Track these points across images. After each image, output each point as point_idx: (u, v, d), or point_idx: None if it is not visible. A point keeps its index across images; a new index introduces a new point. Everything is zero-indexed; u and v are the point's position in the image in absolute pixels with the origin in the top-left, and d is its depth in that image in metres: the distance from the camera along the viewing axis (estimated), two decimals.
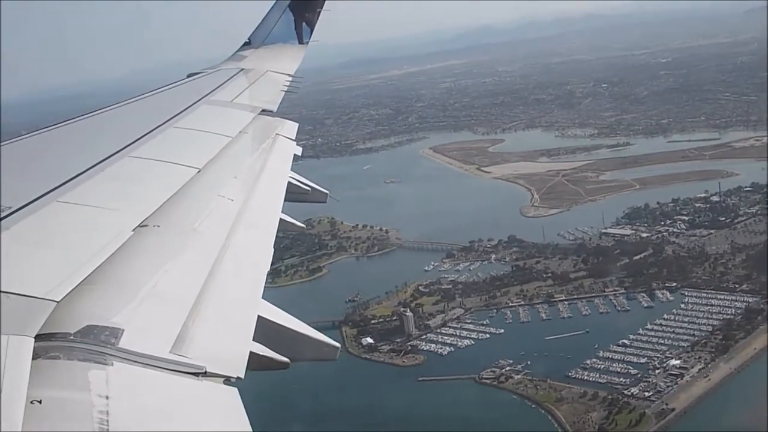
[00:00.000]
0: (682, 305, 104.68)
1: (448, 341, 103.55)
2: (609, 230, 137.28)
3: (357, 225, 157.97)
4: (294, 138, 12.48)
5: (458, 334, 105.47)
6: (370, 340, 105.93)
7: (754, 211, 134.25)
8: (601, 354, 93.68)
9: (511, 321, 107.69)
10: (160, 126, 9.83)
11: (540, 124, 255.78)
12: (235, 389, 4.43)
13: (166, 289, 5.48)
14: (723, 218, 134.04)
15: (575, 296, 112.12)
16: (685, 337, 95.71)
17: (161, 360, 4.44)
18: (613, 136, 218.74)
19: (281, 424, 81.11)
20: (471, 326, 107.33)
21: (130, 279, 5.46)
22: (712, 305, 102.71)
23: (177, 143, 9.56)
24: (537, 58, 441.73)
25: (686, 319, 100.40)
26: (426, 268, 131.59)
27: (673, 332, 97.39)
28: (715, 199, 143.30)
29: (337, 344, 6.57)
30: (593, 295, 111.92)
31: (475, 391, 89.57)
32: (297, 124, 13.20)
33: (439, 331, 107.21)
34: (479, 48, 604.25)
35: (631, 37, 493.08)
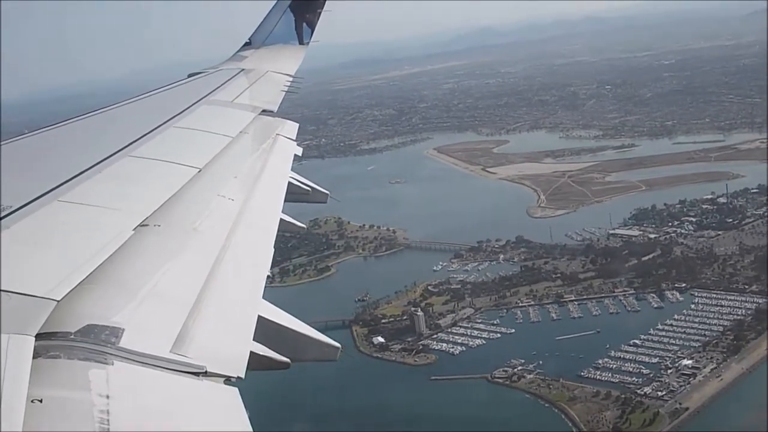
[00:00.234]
0: (692, 306, 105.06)
1: (460, 341, 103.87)
2: (617, 231, 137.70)
3: (364, 225, 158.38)
4: (294, 138, 12.41)
5: (469, 333, 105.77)
6: (381, 339, 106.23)
7: (761, 212, 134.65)
8: (612, 354, 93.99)
9: (521, 321, 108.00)
10: (160, 126, 9.87)
11: (544, 125, 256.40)
12: (236, 389, 4.43)
13: (167, 289, 5.49)
14: (730, 220, 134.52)
15: (585, 296, 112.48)
16: (697, 338, 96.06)
17: (162, 359, 4.44)
18: (617, 138, 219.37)
19: (296, 422, 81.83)
20: (482, 326, 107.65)
21: (130, 278, 5.45)
22: (722, 306, 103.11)
23: (177, 143, 9.59)
24: (539, 59, 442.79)
25: (697, 320, 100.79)
26: (434, 268, 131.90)
27: (684, 332, 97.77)
28: (722, 200, 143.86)
29: (338, 344, 6.52)
30: (603, 295, 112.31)
31: (488, 391, 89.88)
32: (297, 125, 13.13)
33: (450, 330, 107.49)
34: (480, 49, 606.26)
35: (633, 39, 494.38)
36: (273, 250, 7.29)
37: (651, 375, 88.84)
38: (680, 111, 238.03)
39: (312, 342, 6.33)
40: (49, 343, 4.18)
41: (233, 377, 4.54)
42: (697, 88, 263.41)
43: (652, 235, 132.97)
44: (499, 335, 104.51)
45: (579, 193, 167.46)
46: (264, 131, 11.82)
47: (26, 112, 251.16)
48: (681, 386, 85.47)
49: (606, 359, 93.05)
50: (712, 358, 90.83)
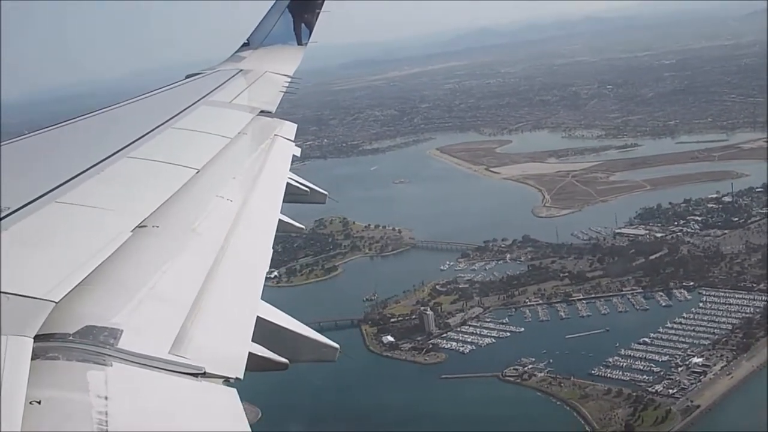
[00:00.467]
0: (701, 304, 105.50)
1: (469, 339, 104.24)
2: (623, 230, 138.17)
3: (369, 225, 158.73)
4: (293, 139, 12.39)
5: (479, 332, 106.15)
6: (390, 338, 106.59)
7: (766, 211, 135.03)
8: (622, 352, 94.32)
9: (530, 320, 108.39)
10: (159, 127, 9.85)
11: (546, 125, 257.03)
12: (234, 390, 4.45)
13: (165, 290, 5.48)
14: (736, 218, 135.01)
15: (593, 295, 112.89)
16: (706, 336, 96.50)
17: (160, 360, 4.45)
18: (620, 138, 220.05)
19: (309, 420, 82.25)
20: (491, 325, 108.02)
21: (129, 279, 5.45)
22: (730, 304, 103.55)
23: (176, 144, 9.58)
24: (539, 59, 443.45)
25: (706, 318, 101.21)
26: (441, 267, 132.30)
27: (693, 330, 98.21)
28: (727, 199, 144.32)
29: (336, 345, 6.52)
30: (611, 294, 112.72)
31: (499, 389, 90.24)
32: (296, 125, 13.10)
33: (459, 329, 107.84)
34: (479, 49, 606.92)
35: (633, 39, 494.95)
36: (272, 250, 7.33)
37: (662, 373, 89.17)
38: (682, 111, 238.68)
39: (311, 343, 6.38)
40: (47, 344, 4.17)
41: (232, 378, 4.55)
42: (698, 88, 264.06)
43: (659, 234, 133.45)
44: (508, 334, 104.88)
45: (583, 193, 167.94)
46: (262, 132, 11.86)
47: (26, 112, 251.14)
48: (692, 384, 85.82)
49: (616, 357, 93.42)
50: (722, 356, 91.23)
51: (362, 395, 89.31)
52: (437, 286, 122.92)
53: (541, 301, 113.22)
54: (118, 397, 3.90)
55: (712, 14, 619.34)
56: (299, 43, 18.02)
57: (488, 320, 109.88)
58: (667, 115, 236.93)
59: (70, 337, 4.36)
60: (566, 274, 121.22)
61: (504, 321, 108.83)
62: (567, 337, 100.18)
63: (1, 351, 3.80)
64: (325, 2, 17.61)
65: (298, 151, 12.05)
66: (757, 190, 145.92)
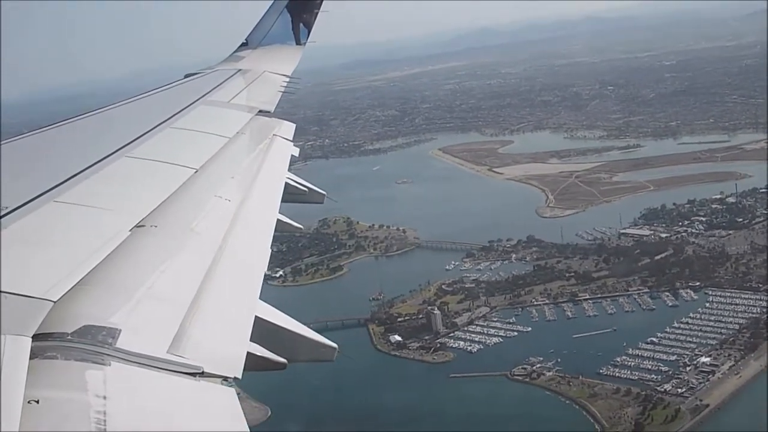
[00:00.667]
0: (707, 304, 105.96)
1: (477, 339, 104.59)
2: (627, 231, 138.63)
3: (373, 225, 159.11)
4: (291, 139, 12.34)
5: (486, 332, 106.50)
6: (398, 337, 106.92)
7: None
8: (630, 351, 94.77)
9: (537, 319, 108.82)
10: (157, 126, 9.84)
11: (548, 125, 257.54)
12: (233, 389, 4.45)
13: (164, 290, 5.48)
14: (740, 219, 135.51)
15: (599, 295, 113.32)
16: (713, 335, 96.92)
17: (158, 360, 4.46)
18: (622, 138, 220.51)
19: (324, 417, 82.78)
20: (498, 324, 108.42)
21: (127, 279, 5.45)
22: (736, 304, 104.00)
23: (174, 143, 9.56)
24: (539, 60, 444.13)
25: (712, 318, 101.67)
26: (447, 267, 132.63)
27: (701, 330, 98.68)
28: (731, 200, 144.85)
29: (335, 345, 6.49)
30: (617, 294, 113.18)
31: (508, 388, 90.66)
32: (294, 125, 13.07)
33: (466, 329, 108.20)
34: (479, 50, 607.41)
35: (633, 39, 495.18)
36: (270, 250, 7.33)
37: (670, 372, 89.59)
38: (684, 111, 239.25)
39: (309, 342, 6.36)
40: (45, 343, 4.18)
41: (230, 378, 4.55)
42: (699, 89, 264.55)
43: (663, 235, 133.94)
44: (516, 333, 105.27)
45: (587, 193, 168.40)
46: (261, 132, 11.85)
47: (26, 113, 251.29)
48: (700, 383, 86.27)
49: (624, 357, 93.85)
50: (729, 355, 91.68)
51: (373, 394, 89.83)
52: (443, 286, 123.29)
53: (547, 301, 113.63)
54: (116, 397, 3.90)
55: (712, 15, 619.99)
56: (298, 42, 18.08)
57: (495, 320, 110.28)
58: (668, 116, 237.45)
59: (69, 337, 4.36)
60: (572, 274, 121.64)
61: (511, 320, 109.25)
62: (574, 336, 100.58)
63: (0, 350, 3.80)
64: (324, 2, 17.68)
65: (296, 151, 12.11)
66: (761, 190, 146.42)
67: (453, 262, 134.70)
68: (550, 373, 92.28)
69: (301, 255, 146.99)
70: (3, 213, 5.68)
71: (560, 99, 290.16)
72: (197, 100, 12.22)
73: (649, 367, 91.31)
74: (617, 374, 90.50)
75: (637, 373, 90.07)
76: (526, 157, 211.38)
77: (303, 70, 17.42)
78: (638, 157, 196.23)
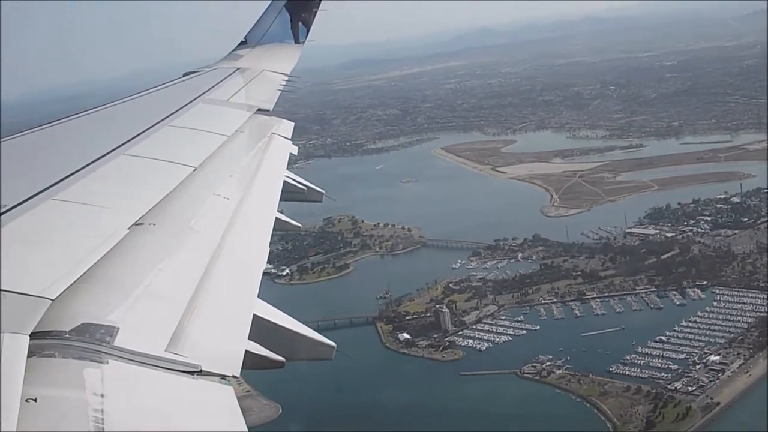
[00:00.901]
0: (715, 303, 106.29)
1: (485, 337, 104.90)
2: (633, 230, 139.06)
3: (378, 223, 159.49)
4: (290, 137, 12.34)
5: (494, 330, 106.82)
6: (407, 335, 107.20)
7: None
8: (640, 350, 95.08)
9: (545, 318, 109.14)
10: (156, 124, 9.85)
11: (550, 125, 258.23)
12: (231, 388, 4.45)
13: (162, 288, 5.49)
14: (746, 219, 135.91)
15: (606, 294, 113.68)
16: (722, 334, 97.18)
17: (156, 358, 4.47)
18: (625, 138, 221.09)
19: (338, 414, 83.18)
20: (506, 323, 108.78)
21: (125, 277, 5.46)
22: (744, 303, 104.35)
23: (173, 142, 9.57)
24: (539, 59, 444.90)
25: (720, 317, 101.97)
26: (453, 266, 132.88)
27: (709, 329, 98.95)
28: (736, 200, 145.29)
29: (333, 343, 6.50)
30: (624, 292, 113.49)
31: (518, 386, 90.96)
32: (293, 123, 13.08)
33: (475, 327, 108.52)
34: (478, 50, 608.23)
35: (633, 39, 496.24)
36: (268, 249, 7.35)
37: (680, 371, 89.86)
38: (686, 111, 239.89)
39: (307, 341, 6.36)
40: (43, 342, 4.19)
41: (228, 376, 4.57)
42: (701, 89, 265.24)
43: (669, 234, 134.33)
44: (524, 332, 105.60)
45: (591, 193, 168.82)
46: (259, 130, 11.84)
47: (26, 112, 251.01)
48: (710, 381, 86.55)
49: (633, 355, 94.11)
50: (738, 354, 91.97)
51: (384, 391, 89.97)
52: (450, 285, 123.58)
53: (555, 300, 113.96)
54: (114, 395, 3.91)
55: (711, 15, 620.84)
56: (296, 41, 18.14)
57: (503, 318, 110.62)
58: (670, 116, 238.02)
59: (67, 335, 4.36)
60: (579, 272, 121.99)
61: (519, 319, 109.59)
62: (583, 334, 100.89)
63: None
64: (323, 1, 17.73)
65: (295, 150, 12.08)
66: (765, 190, 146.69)
67: (459, 261, 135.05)
68: (560, 371, 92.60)
69: (306, 253, 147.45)
70: (1, 211, 5.67)
71: (562, 99, 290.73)
72: (196, 98, 12.25)
73: (659, 365, 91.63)
74: (627, 372, 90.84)
75: (647, 372, 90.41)
76: (530, 156, 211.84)
77: (302, 70, 17.56)
78: (641, 156, 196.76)
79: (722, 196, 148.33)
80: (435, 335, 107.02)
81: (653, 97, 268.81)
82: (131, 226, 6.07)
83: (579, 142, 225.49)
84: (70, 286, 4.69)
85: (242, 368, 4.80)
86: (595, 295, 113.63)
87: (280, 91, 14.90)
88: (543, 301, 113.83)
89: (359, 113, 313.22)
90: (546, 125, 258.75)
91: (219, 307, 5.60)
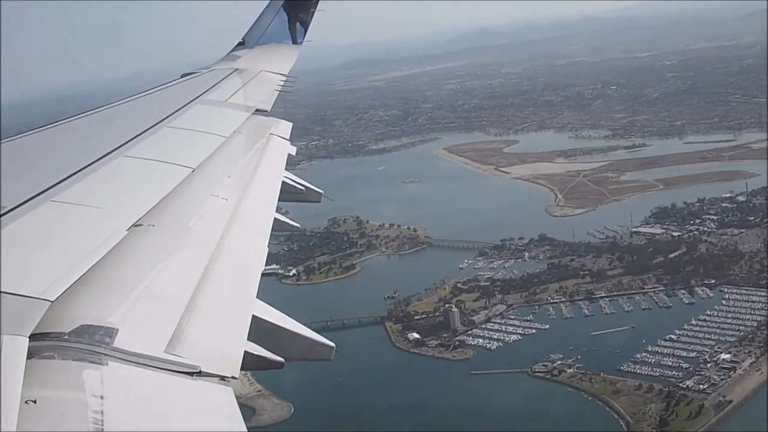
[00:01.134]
0: (723, 301, 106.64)
1: (495, 336, 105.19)
2: (639, 229, 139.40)
3: (383, 224, 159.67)
4: (288, 138, 12.27)
5: (504, 329, 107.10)
6: (416, 335, 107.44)
7: None
8: (650, 348, 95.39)
9: (554, 317, 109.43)
10: (154, 126, 9.82)
11: (552, 125, 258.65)
12: (230, 388, 4.46)
13: (161, 289, 5.48)
14: (752, 218, 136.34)
15: (615, 293, 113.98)
16: (731, 332, 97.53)
17: (156, 359, 4.46)
18: (627, 138, 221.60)
19: (358, 414, 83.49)
20: (516, 322, 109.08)
21: (124, 279, 5.45)
22: (753, 302, 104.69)
23: (171, 143, 9.54)
24: (539, 60, 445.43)
25: (730, 315, 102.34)
26: (460, 266, 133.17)
27: (719, 327, 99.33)
28: (741, 199, 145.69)
29: (332, 344, 6.45)
30: (633, 291, 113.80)
31: (530, 384, 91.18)
32: (291, 124, 13.00)
33: (484, 326, 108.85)
34: (478, 50, 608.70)
35: (632, 39, 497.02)
36: (267, 249, 7.31)
37: (691, 369, 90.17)
38: (688, 111, 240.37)
39: (306, 341, 6.33)
40: (43, 343, 4.18)
41: (227, 377, 4.57)
42: (702, 89, 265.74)
43: (675, 233, 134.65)
44: (534, 331, 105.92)
45: (596, 192, 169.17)
46: (258, 131, 11.81)
47: (27, 113, 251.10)
48: (722, 380, 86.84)
49: (644, 354, 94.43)
50: (749, 352, 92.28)
51: (397, 390, 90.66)
52: (458, 284, 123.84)
53: (563, 299, 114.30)
54: (113, 396, 3.90)
55: (711, 15, 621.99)
56: (294, 42, 18.05)
57: (512, 317, 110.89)
58: (672, 116, 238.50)
59: (66, 336, 4.36)
60: (586, 272, 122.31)
61: (528, 318, 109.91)
62: (593, 333, 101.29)
63: None
64: (320, 2, 17.69)
65: (293, 150, 12.01)
66: None
67: (466, 261, 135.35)
68: (571, 370, 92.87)
69: (312, 254, 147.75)
70: (1, 212, 5.65)
71: (563, 99, 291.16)
72: (194, 99, 12.22)
73: (670, 363, 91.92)
74: (638, 371, 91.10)
75: (658, 370, 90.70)
76: (532, 156, 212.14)
77: (301, 70, 17.64)
78: (645, 156, 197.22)
79: (727, 195, 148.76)
80: (445, 335, 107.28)
81: (655, 96, 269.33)
82: (130, 228, 6.07)
83: (581, 142, 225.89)
84: (70, 287, 4.67)
85: (241, 369, 4.79)
86: (603, 294, 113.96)
87: (278, 92, 14.90)
88: (551, 301, 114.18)
89: (360, 114, 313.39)
90: (548, 125, 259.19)
91: (218, 308, 5.57)
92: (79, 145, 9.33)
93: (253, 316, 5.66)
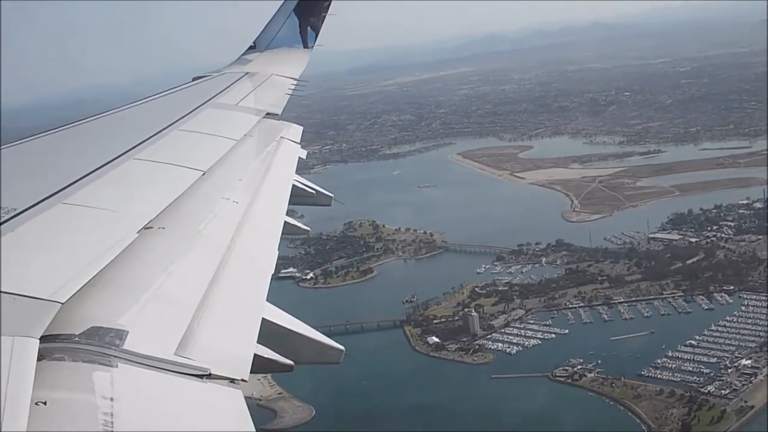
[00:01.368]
0: (743, 307, 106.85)
1: (515, 341, 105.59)
2: (656, 235, 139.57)
3: (399, 228, 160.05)
4: (299, 141, 12.38)
5: (523, 334, 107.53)
6: (436, 339, 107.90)
7: None
8: (670, 354, 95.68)
9: (573, 322, 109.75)
10: (165, 129, 9.88)
11: (566, 131, 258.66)
12: (239, 391, 4.48)
13: (171, 291, 5.51)
14: None
15: (634, 298, 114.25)
16: (752, 338, 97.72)
17: (166, 362, 4.49)
18: (642, 144, 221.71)
19: (377, 415, 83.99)
20: (535, 326, 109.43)
21: (134, 281, 5.49)
22: None
23: (182, 146, 9.59)
24: (550, 65, 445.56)
25: (749, 321, 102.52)
26: (478, 270, 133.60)
27: (738, 333, 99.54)
28: (759, 205, 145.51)
29: (341, 347, 6.48)
30: (651, 297, 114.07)
31: (551, 389, 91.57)
32: (301, 128, 13.14)
33: (503, 331, 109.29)
34: (487, 56, 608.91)
35: (642, 45, 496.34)
36: (277, 252, 7.36)
37: (712, 374, 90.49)
38: (703, 117, 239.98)
39: (315, 344, 6.36)
40: (53, 345, 4.21)
41: (237, 379, 4.60)
42: (717, 95, 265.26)
43: (693, 239, 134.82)
44: (553, 335, 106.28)
45: (612, 198, 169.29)
46: (268, 134, 11.86)
47: (36, 117, 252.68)
48: (743, 385, 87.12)
49: (664, 359, 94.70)
50: None
51: (419, 393, 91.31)
52: (476, 289, 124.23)
53: (582, 304, 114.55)
54: (123, 398, 3.94)
55: (720, 21, 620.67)
56: (305, 46, 18.13)
57: (531, 322, 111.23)
58: (687, 122, 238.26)
59: (76, 338, 4.40)
60: (604, 277, 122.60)
61: (547, 323, 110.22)
62: (612, 338, 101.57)
63: (8, 351, 3.83)
64: (331, 6, 17.79)
65: (304, 153, 12.08)
66: None
67: (483, 266, 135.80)
68: (592, 375, 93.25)
69: (329, 257, 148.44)
70: (12, 215, 5.71)
71: (577, 105, 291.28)
72: (205, 102, 12.29)
73: (691, 369, 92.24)
74: (659, 376, 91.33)
75: (679, 375, 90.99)
76: (547, 162, 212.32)
77: (312, 75, 17.91)
78: (660, 162, 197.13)
79: (744, 202, 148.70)
80: (464, 338, 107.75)
81: (669, 103, 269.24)
82: (140, 230, 6.12)
83: (596, 147, 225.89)
84: (80, 289, 4.73)
85: (251, 372, 4.85)
86: (622, 300, 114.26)
87: (289, 96, 15.02)
88: (570, 306, 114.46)
89: (373, 118, 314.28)
90: (562, 131, 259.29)
91: (228, 311, 5.62)
92: (90, 148, 9.41)
93: (263, 319, 5.71)
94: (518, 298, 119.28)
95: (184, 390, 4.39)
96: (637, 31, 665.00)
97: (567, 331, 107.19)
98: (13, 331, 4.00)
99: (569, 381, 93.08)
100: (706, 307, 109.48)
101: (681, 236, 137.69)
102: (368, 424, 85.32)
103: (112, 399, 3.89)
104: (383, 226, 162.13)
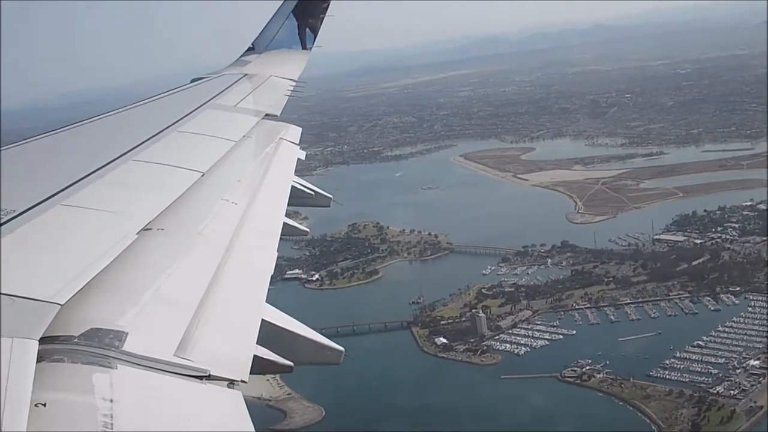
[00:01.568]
0: (750, 309, 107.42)
1: (522, 341, 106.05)
2: (661, 236, 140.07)
3: (404, 230, 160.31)
4: (298, 142, 12.41)
5: (531, 334, 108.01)
6: (444, 340, 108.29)
7: None
8: (678, 354, 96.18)
9: (580, 323, 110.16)
10: (164, 130, 9.87)
11: (568, 133, 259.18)
12: (239, 392, 4.47)
13: (170, 293, 5.51)
14: None
15: (640, 300, 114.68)
16: (759, 339, 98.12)
17: (165, 363, 4.49)
18: (644, 146, 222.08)
19: (391, 417, 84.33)
20: (542, 327, 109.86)
21: (134, 282, 5.49)
22: None
23: (181, 147, 9.58)
24: (551, 67, 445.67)
25: (756, 322, 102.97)
26: (483, 271, 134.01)
27: (746, 334, 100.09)
28: (763, 207, 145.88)
29: (341, 348, 6.47)
30: (658, 298, 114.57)
31: (560, 389, 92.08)
32: (300, 129, 13.18)
33: (511, 331, 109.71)
34: (487, 58, 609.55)
35: (643, 47, 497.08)
36: (276, 253, 7.34)
37: (720, 375, 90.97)
38: (704, 119, 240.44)
39: (315, 345, 6.35)
40: (52, 346, 4.21)
41: (236, 381, 4.60)
42: (718, 97, 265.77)
43: (698, 241, 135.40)
44: (561, 336, 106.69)
45: (615, 200, 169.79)
46: (267, 135, 11.89)
47: (36, 119, 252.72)
48: (752, 385, 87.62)
49: (672, 360, 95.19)
50: None
51: (430, 393, 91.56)
52: (482, 290, 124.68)
53: (589, 305, 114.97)
54: (123, 400, 3.94)
55: (720, 24, 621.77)
56: (304, 47, 18.21)
57: (539, 323, 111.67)
58: (689, 124, 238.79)
59: (76, 340, 4.40)
60: (611, 278, 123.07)
61: (555, 324, 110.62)
62: (620, 339, 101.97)
63: (7, 353, 3.81)
64: (330, 7, 17.85)
65: (303, 155, 12.07)
66: None
67: (489, 267, 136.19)
68: (600, 375, 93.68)
69: (335, 259, 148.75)
70: (11, 216, 5.70)
71: (578, 107, 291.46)
72: (204, 104, 12.33)
73: (699, 369, 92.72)
74: (668, 376, 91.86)
75: (687, 376, 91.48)
76: (550, 163, 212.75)
77: (311, 77, 18.01)
78: (663, 164, 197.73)
79: (748, 204, 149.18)
80: (472, 339, 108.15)
81: (670, 104, 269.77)
82: (140, 231, 6.11)
83: (598, 149, 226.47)
84: (79, 291, 4.71)
85: (251, 373, 4.84)
86: (628, 301, 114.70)
87: (287, 97, 15.04)
88: (577, 307, 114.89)
89: (375, 120, 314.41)
90: (563, 133, 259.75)
91: (227, 312, 5.62)
92: (89, 149, 9.38)
93: (263, 320, 5.70)
94: (525, 299, 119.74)
95: (184, 391, 4.40)
96: (638, 33, 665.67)
97: (574, 331, 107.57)
98: (12, 332, 3.98)
99: (578, 381, 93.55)
100: (712, 308, 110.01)
101: (686, 238, 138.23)
102: (378, 425, 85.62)
103: (111, 400, 3.90)
104: (387, 227, 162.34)
